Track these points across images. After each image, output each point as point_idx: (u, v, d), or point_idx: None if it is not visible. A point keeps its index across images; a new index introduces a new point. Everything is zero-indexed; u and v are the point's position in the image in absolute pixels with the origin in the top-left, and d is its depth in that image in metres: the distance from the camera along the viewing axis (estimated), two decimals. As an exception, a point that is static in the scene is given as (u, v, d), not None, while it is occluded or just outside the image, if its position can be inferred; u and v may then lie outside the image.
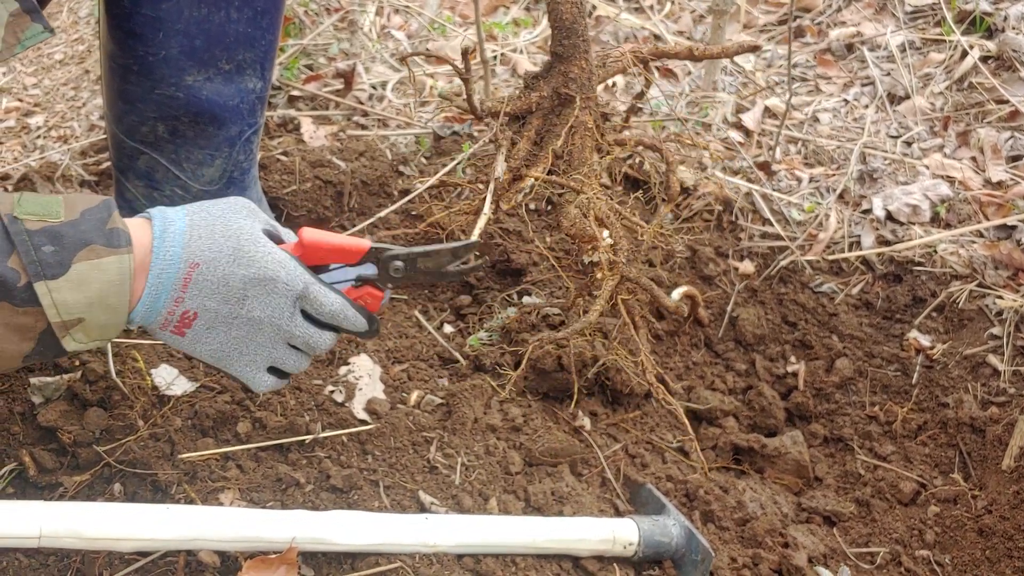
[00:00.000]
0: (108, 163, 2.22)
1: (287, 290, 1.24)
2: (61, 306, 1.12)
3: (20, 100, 3.14)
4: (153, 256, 1.18)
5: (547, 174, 1.56)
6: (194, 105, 1.56)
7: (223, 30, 1.50)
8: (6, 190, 2.30)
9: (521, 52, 2.94)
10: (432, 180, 1.90)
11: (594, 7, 3.22)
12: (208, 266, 1.20)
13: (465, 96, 1.59)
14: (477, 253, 1.35)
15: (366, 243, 1.31)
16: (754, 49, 1.70)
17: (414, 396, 1.69)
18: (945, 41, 2.80)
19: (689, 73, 2.91)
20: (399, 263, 1.33)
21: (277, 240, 1.29)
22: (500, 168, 1.63)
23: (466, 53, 1.55)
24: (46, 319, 1.12)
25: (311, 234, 1.28)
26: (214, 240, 1.20)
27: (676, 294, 2.04)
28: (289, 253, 1.26)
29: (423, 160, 2.32)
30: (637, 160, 2.43)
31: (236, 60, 1.54)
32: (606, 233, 1.51)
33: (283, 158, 2.13)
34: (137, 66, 1.52)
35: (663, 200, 1.73)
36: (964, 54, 2.73)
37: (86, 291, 1.13)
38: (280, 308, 1.25)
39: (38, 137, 2.84)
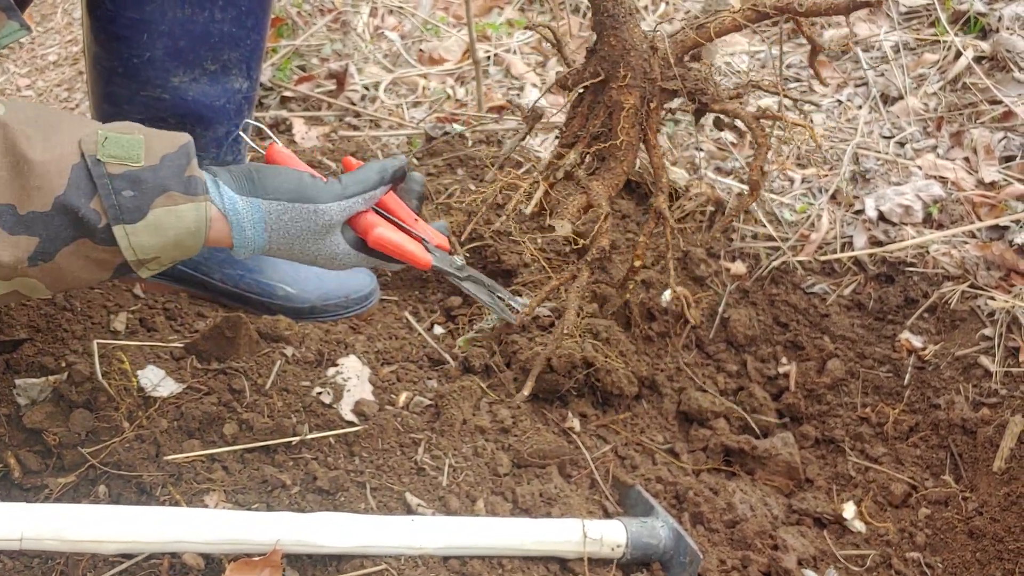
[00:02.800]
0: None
1: None
2: (138, 248, 1.19)
3: (13, 101, 3.13)
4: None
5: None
6: (180, 106, 1.55)
7: (207, 30, 1.50)
8: None
9: (515, 53, 2.94)
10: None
11: (588, 8, 3.22)
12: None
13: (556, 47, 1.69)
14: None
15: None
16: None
17: (403, 397, 1.68)
18: (939, 42, 2.80)
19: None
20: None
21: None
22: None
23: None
24: (123, 256, 1.20)
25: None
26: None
27: (667, 295, 2.03)
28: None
29: (415, 161, 2.32)
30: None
31: (221, 60, 1.54)
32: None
33: (273, 159, 2.12)
34: (122, 68, 1.51)
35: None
36: (958, 55, 2.72)
37: (162, 236, 1.20)
38: None
39: (30, 138, 2.83)
